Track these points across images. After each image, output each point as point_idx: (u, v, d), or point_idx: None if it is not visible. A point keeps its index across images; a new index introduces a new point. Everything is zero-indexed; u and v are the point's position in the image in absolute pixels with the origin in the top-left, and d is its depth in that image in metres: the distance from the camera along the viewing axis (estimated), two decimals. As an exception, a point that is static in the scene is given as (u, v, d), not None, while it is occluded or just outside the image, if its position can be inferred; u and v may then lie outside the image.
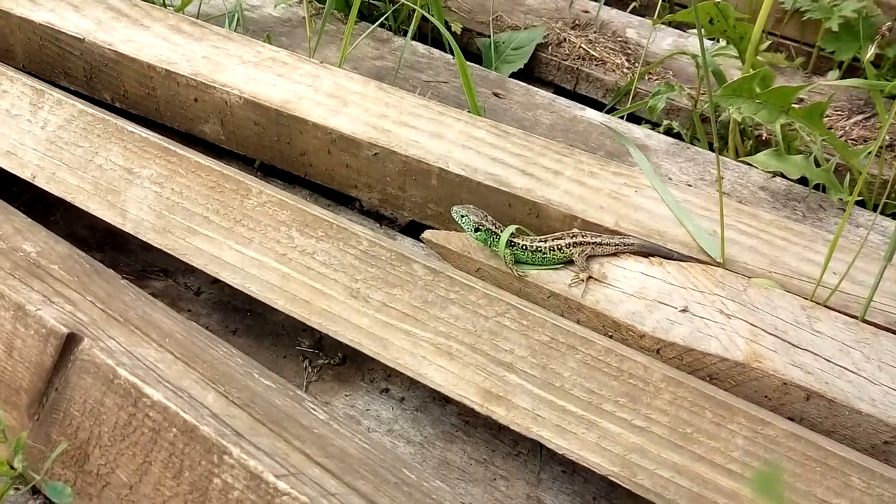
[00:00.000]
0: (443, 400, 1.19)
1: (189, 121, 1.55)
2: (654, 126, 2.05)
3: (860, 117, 2.13)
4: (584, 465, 0.94)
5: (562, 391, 0.97)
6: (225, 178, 1.14)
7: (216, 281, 1.37)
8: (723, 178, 1.80)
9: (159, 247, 1.15)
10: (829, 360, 1.06)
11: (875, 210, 1.75)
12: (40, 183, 1.24)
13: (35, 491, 0.99)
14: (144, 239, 1.16)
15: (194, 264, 1.13)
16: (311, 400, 1.02)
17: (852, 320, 1.13)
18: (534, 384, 0.98)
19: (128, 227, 1.17)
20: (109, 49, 1.53)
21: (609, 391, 0.95)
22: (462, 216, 1.21)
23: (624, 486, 0.93)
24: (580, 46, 2.25)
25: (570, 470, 1.11)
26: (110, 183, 1.20)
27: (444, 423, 1.16)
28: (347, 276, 1.07)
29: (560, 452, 0.96)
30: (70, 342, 0.93)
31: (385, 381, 1.22)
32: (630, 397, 0.94)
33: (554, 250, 1.18)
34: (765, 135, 1.96)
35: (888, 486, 0.84)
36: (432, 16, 1.80)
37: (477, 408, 0.99)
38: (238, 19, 2.03)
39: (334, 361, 1.24)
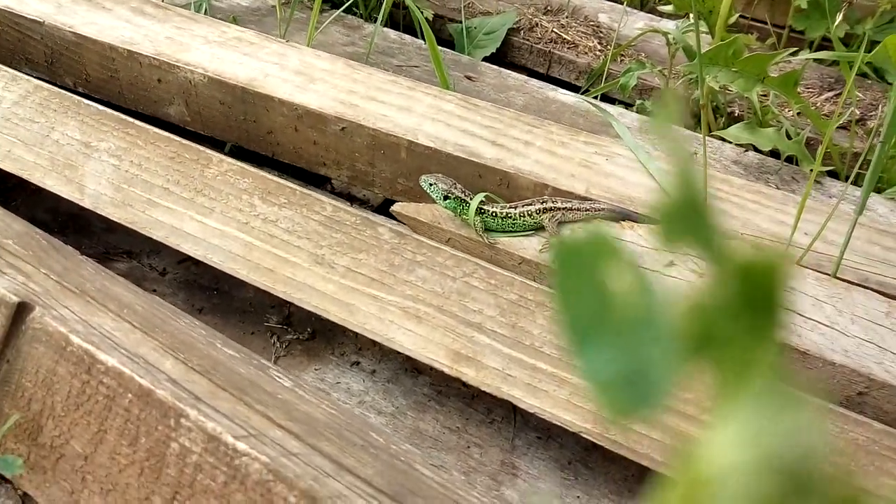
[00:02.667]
0: (414, 371, 1.17)
1: (153, 103, 1.52)
2: (628, 106, 2.05)
3: (831, 94, 2.14)
4: (557, 423, 0.92)
5: (532, 349, 0.95)
6: (185, 149, 1.11)
7: (182, 261, 1.34)
8: (696, 153, 1.79)
9: (118, 220, 1.12)
10: (801, 315, 1.05)
11: (846, 181, 1.75)
12: (-4, 161, 1.20)
13: (-10, 471, 0.95)
14: (103, 213, 1.13)
15: (155, 237, 1.10)
16: (277, 369, 0.99)
17: (824, 276, 1.12)
18: (503, 343, 0.96)
19: (86, 203, 1.14)
20: (70, 31, 1.50)
21: (579, 347, 0.93)
22: (430, 185, 1.19)
23: (597, 442, 0.91)
24: (552, 31, 2.24)
25: (544, 436, 1.09)
26: (67, 158, 1.17)
27: (416, 394, 1.13)
28: (312, 243, 1.05)
29: (532, 411, 0.94)
30: (21, 311, 0.90)
31: (356, 355, 1.19)
32: (601, 352, 0.92)
33: (524, 216, 1.17)
34: (737, 111, 1.96)
35: (861, 430, 0.83)
36: (400, -4, 1.78)
37: (446, 370, 0.97)
38: (205, 10, 2.01)
39: (303, 336, 1.21)
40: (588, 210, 1.20)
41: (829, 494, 0.21)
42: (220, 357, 0.95)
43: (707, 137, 1.82)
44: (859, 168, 1.80)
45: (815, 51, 2.17)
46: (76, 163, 1.16)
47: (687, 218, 0.20)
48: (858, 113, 1.96)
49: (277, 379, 0.96)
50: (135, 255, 1.35)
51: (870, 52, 2.22)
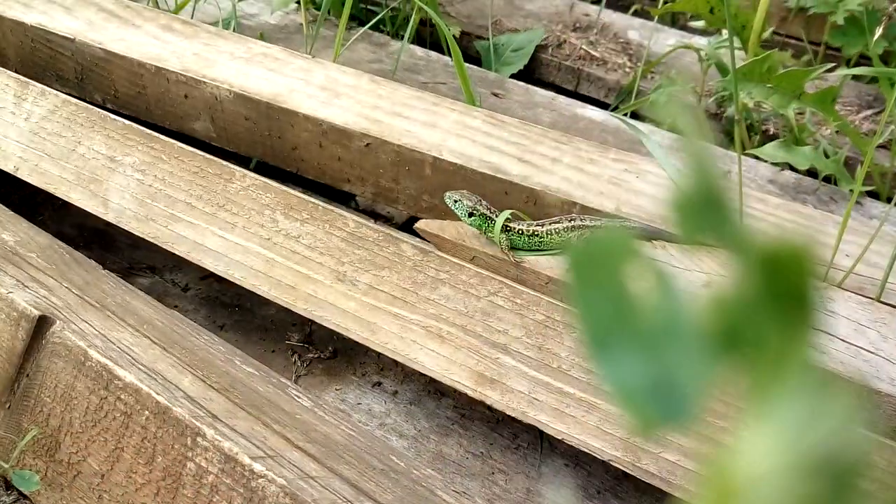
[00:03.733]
0: (438, 393, 1.14)
1: (180, 119, 1.52)
2: (658, 124, 2.01)
3: (870, 112, 2.08)
4: (586, 450, 0.88)
5: (559, 372, 0.91)
6: (208, 163, 1.11)
7: (204, 277, 1.33)
8: (730, 171, 1.75)
9: (141, 235, 1.11)
10: (844, 340, 1.00)
11: (889, 202, 1.69)
12: (23, 175, 1.21)
13: (9, 486, 0.94)
14: (127, 228, 1.13)
15: (177, 252, 1.09)
16: (296, 388, 0.97)
17: (867, 300, 1.07)
18: (529, 366, 0.92)
19: (110, 217, 1.14)
20: (100, 48, 1.51)
21: (609, 371, 0.89)
22: (455, 201, 1.16)
23: (627, 471, 0.86)
24: (581, 48, 2.22)
25: (572, 463, 1.05)
26: (93, 172, 1.17)
27: (440, 417, 1.10)
28: (334, 259, 1.02)
29: (559, 437, 0.90)
30: (41, 325, 0.89)
31: (377, 375, 1.16)
32: (632, 376, 0.88)
33: (552, 234, 1.13)
34: (772, 129, 1.91)
35: None
36: (429, 11, 1.78)
37: (470, 392, 0.93)
38: (233, 27, 2.02)
39: (325, 355, 1.19)
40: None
41: (870, 495, 0.18)
42: (239, 375, 0.94)
43: (741, 156, 1.77)
44: (900, 188, 1.74)
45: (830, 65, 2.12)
46: (101, 177, 1.16)
47: (705, 209, 0.18)
48: (889, 129, 1.89)
49: (297, 398, 0.93)
50: (158, 270, 1.34)
51: (909, 69, 2.15)
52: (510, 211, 1.15)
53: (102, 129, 1.18)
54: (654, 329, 0.18)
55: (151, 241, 1.11)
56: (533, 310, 0.94)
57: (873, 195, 1.70)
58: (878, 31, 1.42)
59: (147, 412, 0.82)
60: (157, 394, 0.81)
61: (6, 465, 0.87)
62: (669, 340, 0.18)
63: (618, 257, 0.19)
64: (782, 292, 0.17)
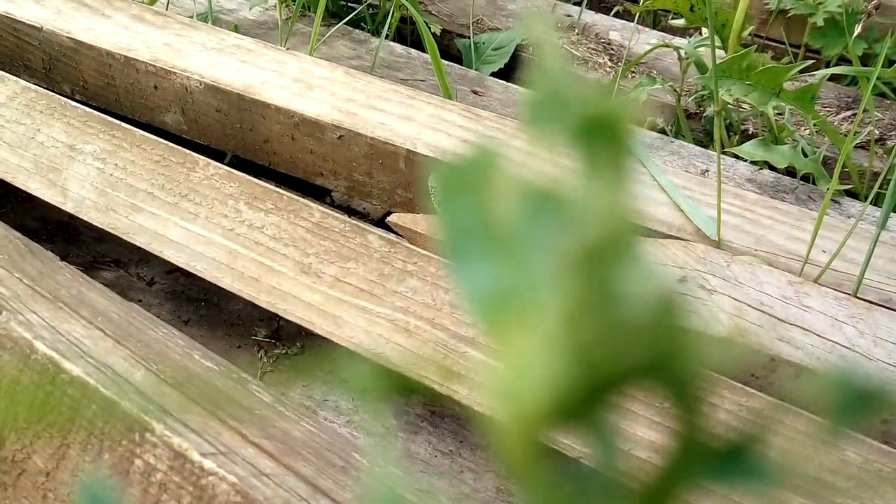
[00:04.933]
0: (408, 390, 1.10)
1: (150, 110, 1.48)
2: (639, 123, 2.00)
3: (849, 113, 2.08)
4: (557, 447, 0.85)
5: (528, 367, 0.88)
6: (171, 152, 1.07)
7: (170, 271, 1.29)
8: (708, 170, 1.73)
9: (101, 226, 1.08)
10: (820, 336, 0.98)
11: (865, 200, 1.69)
12: (-20, 164, 1.17)
13: (-50, 485, 0.89)
14: (86, 218, 1.09)
15: (137, 243, 1.06)
16: (258, 384, 0.93)
17: (844, 295, 1.05)
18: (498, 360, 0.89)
19: (69, 207, 1.10)
20: (68, 37, 1.47)
21: (579, 365, 0.86)
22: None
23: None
24: (562, 47, 2.20)
25: (543, 462, 1.02)
26: (52, 161, 1.13)
27: (409, 414, 1.07)
28: (298, 251, 0.99)
29: (527, 434, 0.87)
30: (-13, 316, 0.85)
31: (346, 371, 1.13)
32: (602, 371, 0.86)
33: (525, 228, 1.11)
34: (751, 129, 1.90)
35: (887, 461, 0.76)
36: (406, 4, 1.75)
37: (437, 388, 0.90)
38: (210, 21, 1.99)
39: (292, 351, 1.16)
40: (592, 223, 1.14)
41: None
42: (197, 369, 0.90)
43: (720, 154, 1.76)
44: (879, 188, 1.73)
45: (809, 62, 2.12)
46: (60, 166, 1.12)
47: (552, 106, 0.17)
48: (878, 132, 1.89)
49: (257, 394, 0.90)
50: (123, 264, 1.31)
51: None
52: (483, 204, 1.13)
53: (63, 117, 1.15)
54: (514, 240, 0.17)
55: (111, 231, 1.07)
56: (502, 302, 0.91)
57: (852, 195, 1.69)
58: (857, 30, 1.41)
59: (94, 406, 0.78)
60: (105, 388, 0.78)
61: (-53, 463, 0.83)
62: (527, 250, 0.16)
63: (484, 173, 0.18)
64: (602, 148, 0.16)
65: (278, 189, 1.02)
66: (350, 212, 1.56)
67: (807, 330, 0.98)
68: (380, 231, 0.98)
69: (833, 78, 2.03)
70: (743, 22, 1.64)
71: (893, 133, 1.93)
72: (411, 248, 0.96)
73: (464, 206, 0.18)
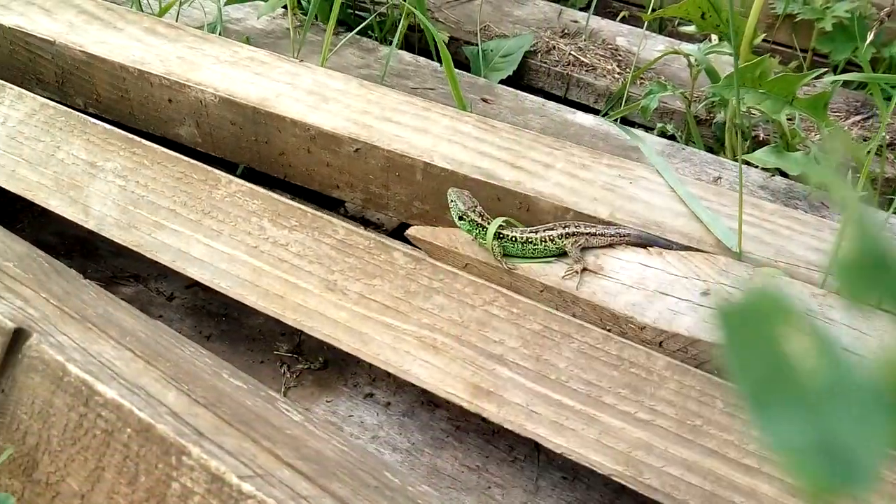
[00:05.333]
0: (431, 404, 1.11)
1: (164, 123, 1.48)
2: (648, 130, 2.00)
3: (858, 117, 2.09)
4: (586, 464, 0.86)
5: (558, 384, 0.89)
6: (193, 169, 1.07)
7: (190, 286, 1.29)
8: (721, 177, 1.74)
9: (123, 243, 1.08)
10: (846, 349, 0.98)
11: (879, 207, 1.69)
12: None
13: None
14: (108, 236, 1.09)
15: (161, 261, 1.06)
16: (286, 401, 0.93)
17: (868, 307, 1.06)
18: (527, 377, 0.89)
19: (91, 224, 1.10)
20: (80, 51, 1.47)
21: (609, 382, 0.87)
22: (452, 201, 1.14)
23: (629, 486, 0.84)
24: (570, 53, 2.21)
25: (570, 476, 1.02)
26: (72, 178, 1.13)
27: (434, 429, 1.07)
28: (323, 268, 0.99)
29: (558, 451, 0.87)
30: (17, 338, 0.85)
31: (369, 386, 1.13)
32: (632, 388, 0.86)
33: (546, 241, 1.11)
34: (762, 135, 1.91)
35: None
36: (417, 15, 1.75)
37: (465, 405, 0.91)
38: (219, 32, 1.99)
39: (315, 366, 1.16)
40: (613, 235, 1.14)
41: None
42: (226, 388, 0.90)
43: (732, 162, 1.77)
44: (893, 193, 1.73)
45: (823, 70, 2.12)
46: (81, 183, 1.12)
47: (872, 271, 0.17)
48: (888, 137, 1.90)
49: (286, 412, 0.90)
50: (142, 279, 1.30)
51: (896, 75, 2.16)
52: (503, 218, 1.13)
53: (82, 134, 1.14)
54: (820, 389, 0.16)
55: (134, 249, 1.07)
56: (529, 319, 0.91)
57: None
58: (871, 36, 1.41)
59: (129, 429, 0.78)
60: (140, 410, 0.78)
61: (-20, 486, 0.83)
62: (838, 401, 0.16)
63: (773, 317, 0.17)
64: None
65: (302, 206, 1.02)
66: (364, 222, 1.56)
67: (832, 342, 0.98)
68: (405, 247, 0.98)
69: (842, 82, 2.03)
70: (754, 29, 1.64)
71: (902, 137, 1.93)
72: (437, 264, 0.96)
73: (758, 351, 0.18)
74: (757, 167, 1.75)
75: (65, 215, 1.11)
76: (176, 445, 0.76)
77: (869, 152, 1.75)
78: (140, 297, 1.27)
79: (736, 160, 1.78)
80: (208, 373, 0.92)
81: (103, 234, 1.09)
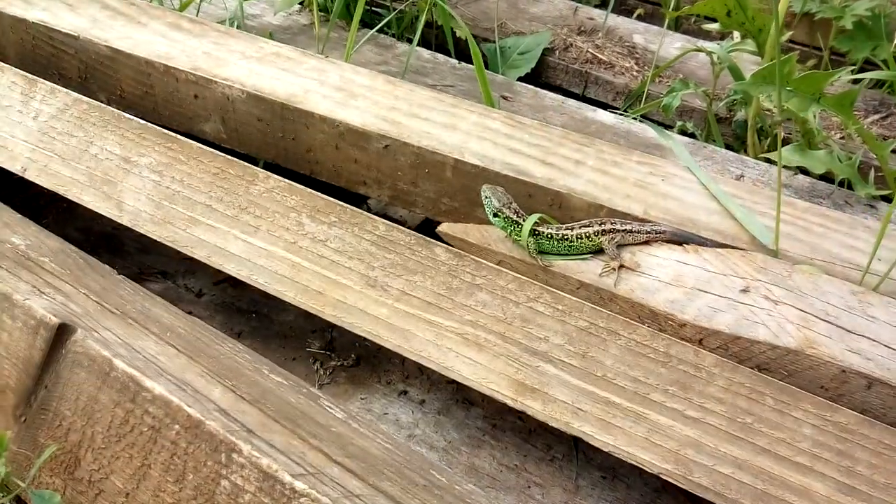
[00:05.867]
0: (466, 402, 1.10)
1: (189, 119, 1.47)
2: (667, 128, 1.99)
3: (877, 116, 2.08)
4: (634, 462, 0.85)
5: (604, 381, 0.88)
6: (229, 164, 1.06)
7: (218, 282, 1.28)
8: (743, 175, 1.73)
9: (159, 239, 1.07)
10: (888, 346, 0.98)
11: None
12: (31, 176, 1.16)
13: (21, 502, 0.89)
14: (143, 231, 1.08)
15: (197, 256, 1.05)
16: (327, 398, 0.92)
17: (906, 304, 1.05)
18: (572, 374, 0.89)
19: (125, 220, 1.09)
20: (105, 46, 1.46)
21: (657, 379, 0.86)
22: (486, 197, 1.14)
23: (679, 485, 0.83)
24: (587, 51, 2.20)
25: (610, 475, 1.02)
26: (106, 173, 1.12)
27: (470, 427, 1.06)
28: (363, 264, 0.99)
29: (605, 450, 0.86)
30: (62, 334, 0.84)
31: (403, 383, 1.13)
32: (681, 385, 0.85)
33: (581, 238, 1.10)
34: (783, 133, 1.90)
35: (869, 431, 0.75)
36: (439, 15, 1.74)
37: (510, 402, 0.90)
38: (238, 26, 1.98)
39: (348, 363, 1.15)
40: (649, 233, 1.13)
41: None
42: (269, 385, 0.89)
43: (754, 160, 1.76)
44: (913, 192, 1.73)
45: (859, 72, 2.11)
46: (115, 178, 1.11)
47: None
48: (908, 135, 1.89)
49: (329, 409, 0.89)
50: (169, 275, 1.30)
51: (913, 73, 2.15)
52: (538, 214, 1.12)
53: (116, 129, 1.13)
54: None
55: (170, 244, 1.06)
56: (575, 316, 0.90)
57: (885, 199, 1.69)
58: (897, 37, 1.40)
59: (177, 426, 0.77)
60: (189, 406, 0.77)
61: (23, 485, 0.82)
62: None
63: None
64: None
65: (341, 202, 1.01)
66: (387, 219, 1.55)
67: (875, 341, 0.98)
68: (446, 244, 0.97)
69: (855, 81, 2.03)
70: (781, 27, 1.64)
71: (922, 136, 1.93)
72: (480, 261, 0.95)
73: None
74: (778, 164, 1.74)
75: (99, 210, 1.10)
76: (226, 442, 0.75)
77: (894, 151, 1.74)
78: (168, 293, 1.26)
79: (758, 158, 1.77)
80: (249, 369, 0.91)
81: (137, 230, 1.08)
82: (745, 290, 1.04)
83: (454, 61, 2.03)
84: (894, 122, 2.05)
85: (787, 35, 1.75)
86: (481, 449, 1.04)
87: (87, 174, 1.13)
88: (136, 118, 1.13)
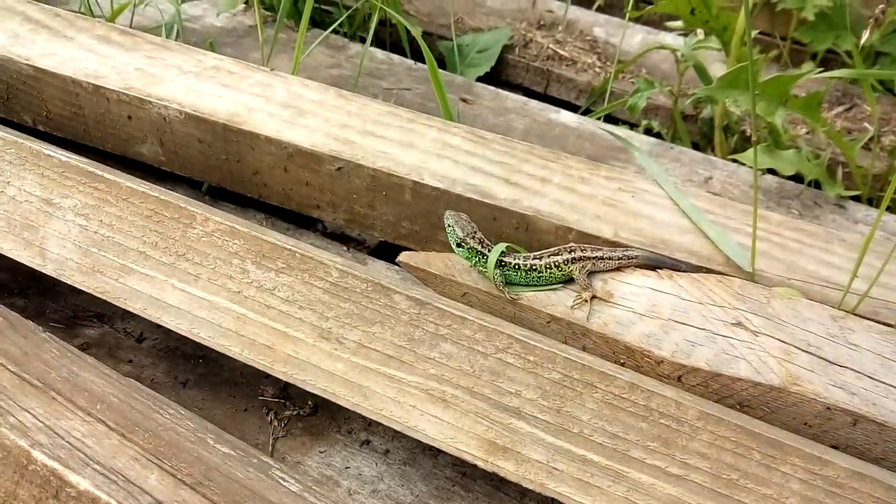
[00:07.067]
0: (434, 450, 1.03)
1: (123, 142, 1.36)
2: (632, 126, 1.94)
3: (840, 108, 2.06)
4: None
5: (581, 438, 0.82)
6: (163, 205, 0.96)
7: (161, 325, 1.18)
8: (712, 177, 1.69)
9: (88, 290, 0.97)
10: (871, 378, 0.94)
11: (870, 204, 1.66)
12: (-59, 221, 1.04)
13: None
14: (70, 282, 0.98)
15: (131, 309, 0.95)
16: (280, 467, 0.84)
17: (888, 329, 1.01)
18: (547, 431, 0.82)
19: (49, 269, 0.98)
20: (27, 64, 1.33)
21: (637, 434, 0.80)
22: (449, 226, 1.06)
23: (662, 548, 0.78)
24: (548, 47, 2.13)
25: (587, 522, 0.96)
26: (26, 217, 1.01)
27: (438, 478, 1.00)
28: (316, 314, 0.90)
29: (583, 511, 0.80)
30: (-29, 420, 0.74)
31: (365, 432, 1.05)
32: (662, 441, 0.79)
33: (551, 268, 1.04)
34: (748, 131, 1.86)
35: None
36: (393, 14, 1.65)
37: (480, 463, 0.83)
38: (177, 31, 1.85)
39: (304, 412, 1.07)
40: (621, 258, 1.07)
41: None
42: (214, 459, 0.81)
43: (723, 161, 1.71)
44: (880, 191, 1.71)
45: (820, 63, 2.08)
46: (36, 223, 1.00)
47: None
48: (870, 129, 1.87)
49: (283, 482, 0.81)
50: (107, 318, 1.19)
51: (875, 63, 2.13)
52: (504, 245, 1.05)
53: (35, 167, 1.02)
54: None
55: (101, 296, 0.97)
56: (548, 367, 0.84)
57: (853, 198, 1.66)
58: (866, 35, 1.36)
59: (108, 525, 0.68)
60: (119, 503, 0.68)
61: (-65, 593, 0.72)
62: None
63: None
64: None
65: (290, 244, 0.92)
66: (343, 239, 1.47)
67: (858, 372, 0.93)
68: (407, 290, 0.89)
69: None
70: (747, 25, 1.58)
71: (887, 129, 1.91)
72: (444, 308, 0.87)
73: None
74: (746, 166, 1.70)
75: (20, 259, 1.00)
76: (164, 543, 0.67)
77: (865, 143, 1.71)
78: (106, 339, 1.16)
79: (726, 160, 1.73)
80: (192, 440, 0.82)
81: (64, 281, 0.98)
82: (723, 321, 0.99)
83: (410, 62, 1.93)
84: (858, 113, 2.02)
85: (755, 33, 1.69)
86: (451, 501, 0.97)
87: (5, 219, 1.02)
88: (57, 154, 1.02)
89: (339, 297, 0.90)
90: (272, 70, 1.41)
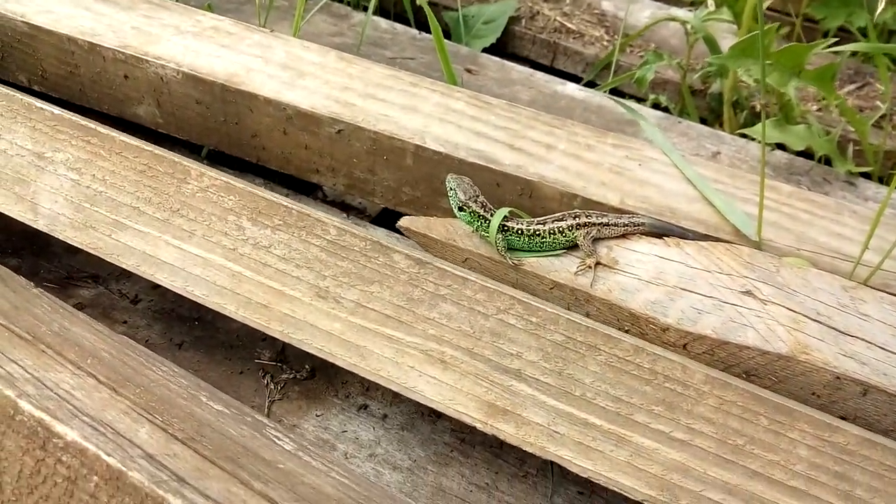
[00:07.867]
0: (433, 414, 1.01)
1: (120, 102, 1.33)
2: (639, 101, 1.90)
3: (852, 86, 2.02)
4: (615, 489, 0.77)
5: (583, 401, 0.79)
6: (157, 160, 0.94)
7: (157, 286, 1.16)
8: (720, 152, 1.65)
9: (80, 246, 0.94)
10: (883, 348, 0.91)
11: (881, 182, 1.63)
12: (-69, 175, 1.02)
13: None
14: (61, 237, 0.96)
15: (124, 265, 0.93)
16: (274, 426, 0.82)
17: (899, 301, 0.99)
18: (548, 394, 0.80)
19: (40, 224, 0.96)
20: (22, 21, 1.30)
21: (641, 398, 0.78)
22: (451, 189, 1.03)
23: (665, 513, 0.76)
24: (555, 19, 2.08)
25: (587, 490, 0.94)
26: (17, 171, 0.98)
27: (437, 443, 0.98)
28: (313, 273, 0.88)
29: (584, 476, 0.78)
30: (-43, 370, 0.72)
31: (363, 396, 1.03)
32: (667, 405, 0.77)
33: (555, 233, 1.01)
34: (758, 107, 1.82)
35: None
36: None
37: (479, 426, 0.81)
38: (177, -4, 1.81)
39: (301, 375, 1.05)
40: (627, 225, 1.04)
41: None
42: (207, 416, 0.79)
43: (731, 136, 1.68)
44: (891, 169, 1.67)
45: (832, 40, 2.04)
46: (28, 177, 0.98)
47: None
48: (882, 107, 1.83)
49: (277, 441, 0.79)
50: (102, 279, 1.17)
51: (888, 41, 2.09)
52: (507, 209, 1.02)
53: (27, 120, 1.00)
54: None
55: (93, 252, 0.94)
56: (550, 329, 0.81)
57: (864, 175, 1.63)
58: (881, 6, 1.32)
59: (96, 477, 0.67)
60: (108, 454, 0.66)
61: (-81, 545, 0.71)
62: None
63: None
64: None
65: (286, 202, 0.90)
66: (345, 207, 1.44)
67: (869, 342, 0.91)
68: (406, 249, 0.87)
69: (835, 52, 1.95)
70: (760, -5, 1.54)
71: (899, 107, 1.87)
72: (444, 268, 0.85)
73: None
74: (756, 140, 1.67)
75: (11, 214, 0.97)
76: (152, 496, 0.65)
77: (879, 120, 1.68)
78: (100, 300, 1.14)
79: (735, 134, 1.69)
80: (184, 397, 0.80)
81: (56, 236, 0.96)
82: (731, 289, 0.96)
83: (414, 31, 1.90)
84: (870, 91, 1.99)
85: (767, 2, 1.65)
86: (449, 467, 0.95)
87: (-4, 172, 0.99)
88: (48, 107, 0.99)
89: (336, 255, 0.87)
90: (272, 31, 1.38)
